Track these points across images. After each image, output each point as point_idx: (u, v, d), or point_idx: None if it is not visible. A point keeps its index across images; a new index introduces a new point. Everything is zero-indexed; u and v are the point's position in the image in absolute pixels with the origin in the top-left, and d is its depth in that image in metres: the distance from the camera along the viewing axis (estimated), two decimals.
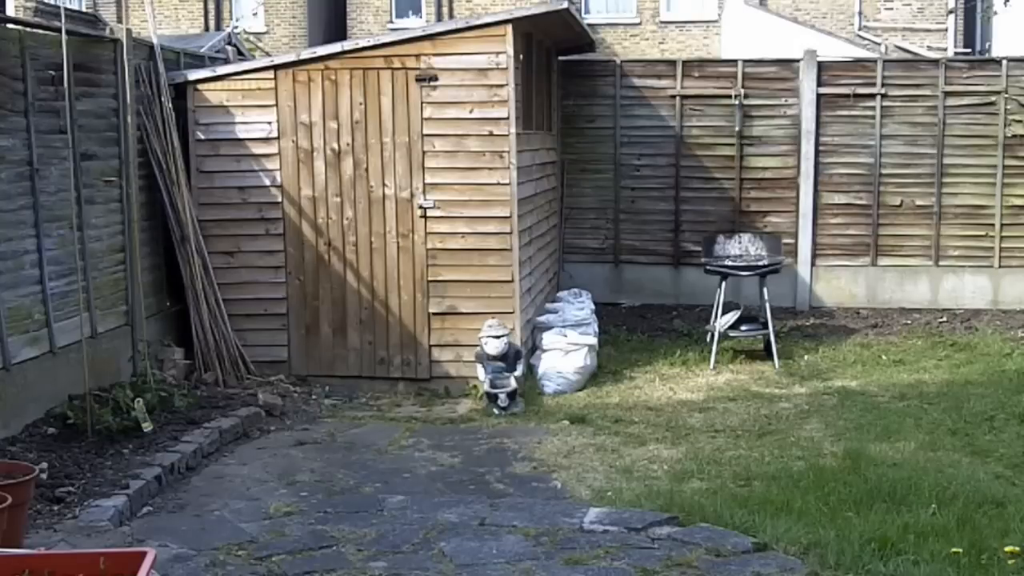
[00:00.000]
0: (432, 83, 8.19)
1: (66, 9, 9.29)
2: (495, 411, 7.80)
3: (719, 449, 6.73)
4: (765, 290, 9.31)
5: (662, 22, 22.51)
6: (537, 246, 9.49)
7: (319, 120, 8.32)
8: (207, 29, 22.60)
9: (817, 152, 11.05)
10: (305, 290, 8.49)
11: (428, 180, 8.28)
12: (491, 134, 8.22)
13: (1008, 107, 10.82)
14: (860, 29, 22.13)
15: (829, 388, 8.39)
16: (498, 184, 8.24)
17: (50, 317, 6.81)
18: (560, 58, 11.08)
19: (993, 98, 10.86)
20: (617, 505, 5.59)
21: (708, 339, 9.42)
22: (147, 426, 6.68)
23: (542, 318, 9.09)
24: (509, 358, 8.06)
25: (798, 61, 11.08)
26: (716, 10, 22.30)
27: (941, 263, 11.07)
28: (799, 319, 10.73)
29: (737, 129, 11.10)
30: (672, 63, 11.45)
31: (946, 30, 21.93)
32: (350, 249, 8.41)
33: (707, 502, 5.52)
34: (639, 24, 22.52)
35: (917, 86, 10.99)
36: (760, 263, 9.60)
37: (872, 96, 10.99)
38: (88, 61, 7.42)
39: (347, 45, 8.50)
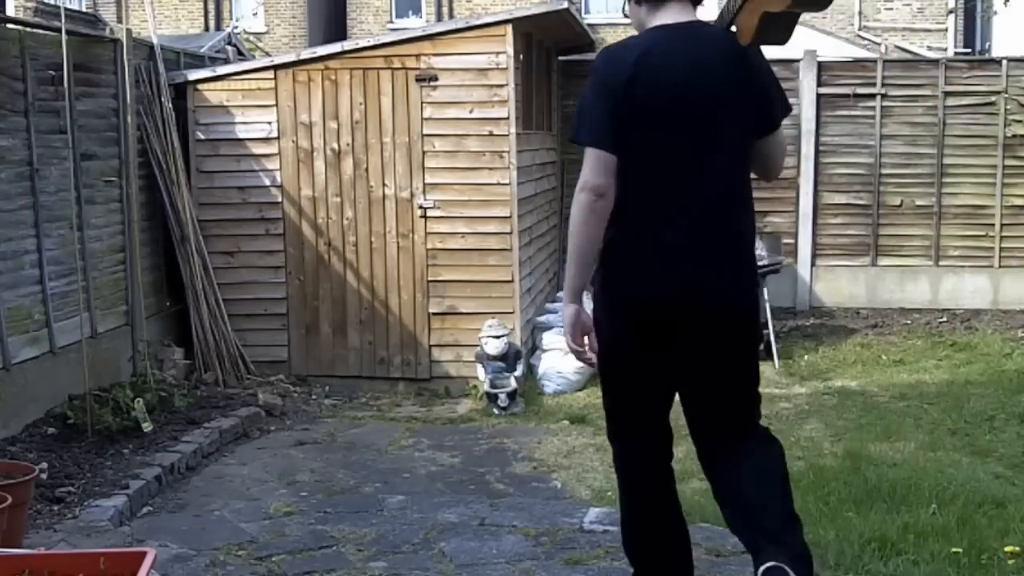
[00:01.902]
0: (432, 83, 8.19)
1: (66, 9, 9.29)
2: (495, 411, 7.80)
3: None
4: (765, 290, 9.31)
5: None
6: (537, 246, 9.49)
7: (319, 120, 8.32)
8: (207, 29, 22.61)
9: (817, 152, 11.05)
10: (305, 290, 8.49)
11: (428, 180, 8.28)
12: (491, 134, 8.22)
13: (1008, 107, 10.82)
14: (860, 29, 22.13)
15: (829, 388, 8.39)
16: (498, 184, 8.25)
17: (50, 317, 6.80)
18: (560, 58, 11.08)
19: (993, 98, 10.86)
20: (617, 505, 5.58)
21: None
22: (147, 426, 6.68)
23: (542, 318, 9.09)
24: (509, 358, 8.06)
25: (798, 61, 11.08)
26: (716, 10, 22.27)
27: (941, 263, 11.07)
28: (799, 319, 10.73)
29: None
30: None
31: (946, 30, 21.94)
32: (350, 249, 8.41)
33: (707, 502, 5.48)
34: None
35: (917, 86, 10.99)
36: (760, 263, 9.58)
37: (872, 96, 10.99)
38: (88, 61, 7.42)
39: (347, 45, 8.50)
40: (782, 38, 3.40)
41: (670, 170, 3.36)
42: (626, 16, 3.69)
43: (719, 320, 3.38)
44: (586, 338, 3.47)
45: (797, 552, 3.33)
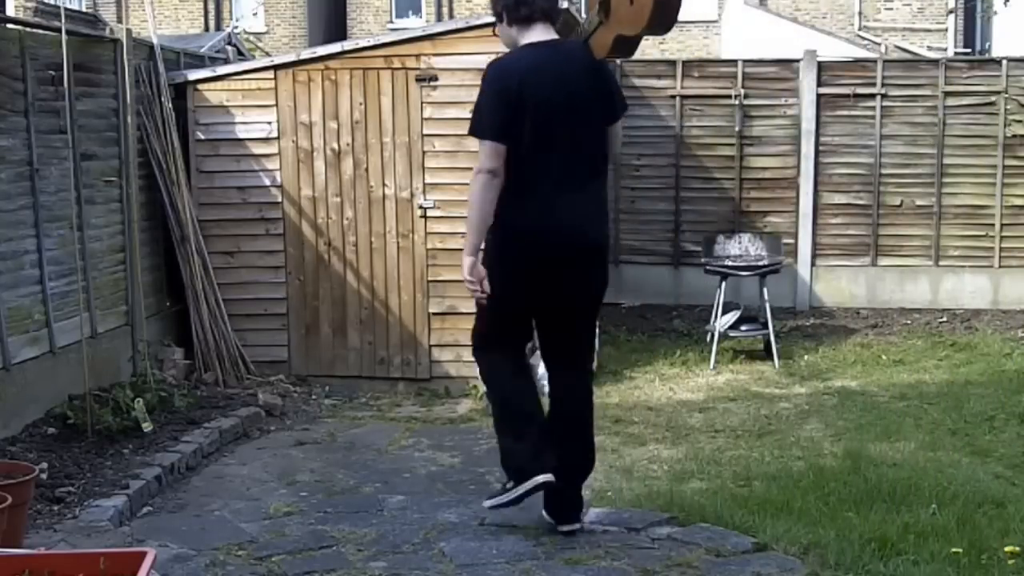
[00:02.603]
0: (432, 83, 8.19)
1: (66, 9, 9.29)
2: None
3: (719, 449, 6.73)
4: (765, 290, 9.31)
5: None
6: None
7: (319, 120, 8.32)
8: (207, 29, 22.64)
9: (817, 152, 11.05)
10: (305, 290, 8.49)
11: (428, 180, 8.28)
12: None
13: (1008, 107, 10.81)
14: (860, 29, 22.16)
15: (829, 388, 8.39)
16: None
17: (50, 317, 6.81)
18: None
19: (993, 98, 10.85)
20: (617, 505, 5.59)
21: (708, 339, 9.41)
22: (147, 426, 6.68)
23: None
24: None
25: (798, 61, 11.08)
26: (716, 10, 22.32)
27: (941, 263, 11.07)
28: (799, 319, 10.73)
29: (737, 129, 11.10)
30: (672, 63, 11.45)
31: (946, 30, 21.97)
32: (350, 249, 8.41)
33: (707, 502, 5.51)
34: None
35: (917, 86, 10.98)
36: (760, 263, 9.60)
37: (872, 96, 10.99)
38: (88, 61, 7.42)
39: (347, 45, 8.50)
40: (628, 54, 4.68)
41: (551, 151, 4.60)
42: (495, 35, 4.82)
43: (584, 247, 4.73)
44: (482, 283, 4.65)
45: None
